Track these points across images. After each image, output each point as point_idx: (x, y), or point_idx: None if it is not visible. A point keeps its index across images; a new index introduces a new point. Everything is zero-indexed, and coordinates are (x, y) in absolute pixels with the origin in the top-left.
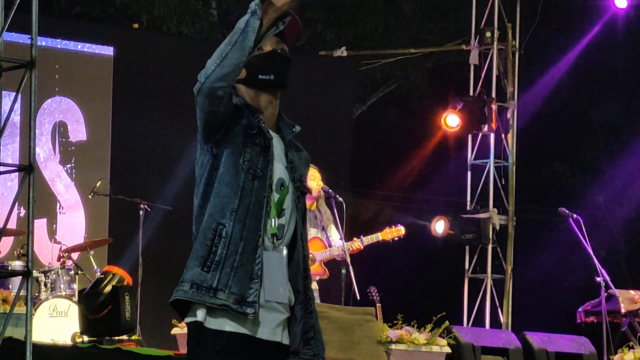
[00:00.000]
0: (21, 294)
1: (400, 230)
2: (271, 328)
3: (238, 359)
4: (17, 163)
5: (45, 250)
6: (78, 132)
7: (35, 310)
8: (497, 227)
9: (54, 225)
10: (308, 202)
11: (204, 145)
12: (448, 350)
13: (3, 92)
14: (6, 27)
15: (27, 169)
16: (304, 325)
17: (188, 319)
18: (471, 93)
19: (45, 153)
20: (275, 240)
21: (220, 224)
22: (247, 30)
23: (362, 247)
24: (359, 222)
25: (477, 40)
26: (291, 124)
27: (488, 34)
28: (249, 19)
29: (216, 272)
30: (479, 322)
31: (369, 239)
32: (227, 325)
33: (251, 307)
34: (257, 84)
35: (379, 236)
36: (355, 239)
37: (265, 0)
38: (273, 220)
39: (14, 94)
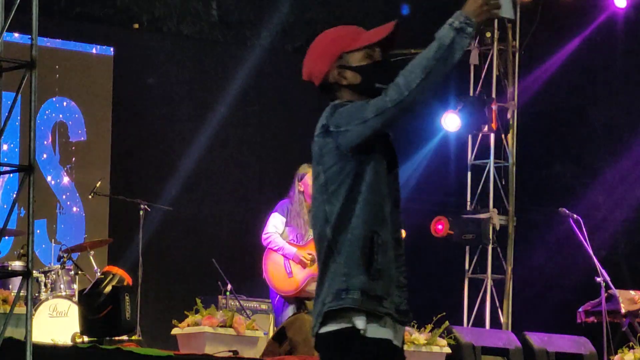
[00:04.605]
0: (21, 294)
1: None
2: (402, 335)
3: None
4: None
5: (45, 251)
6: (78, 132)
7: (35, 310)
8: (497, 228)
9: (54, 225)
10: (309, 203)
11: (350, 153)
12: (448, 350)
13: (3, 92)
14: (6, 27)
15: (27, 169)
16: None
17: (336, 326)
18: (471, 93)
19: (45, 153)
20: None
21: (375, 232)
22: (455, 49)
23: None
24: None
25: (477, 41)
26: None
27: (488, 34)
28: (455, 37)
29: (380, 281)
30: (479, 322)
31: None
32: (380, 332)
33: (408, 316)
34: (370, 93)
35: None
36: None
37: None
38: None
39: (14, 94)
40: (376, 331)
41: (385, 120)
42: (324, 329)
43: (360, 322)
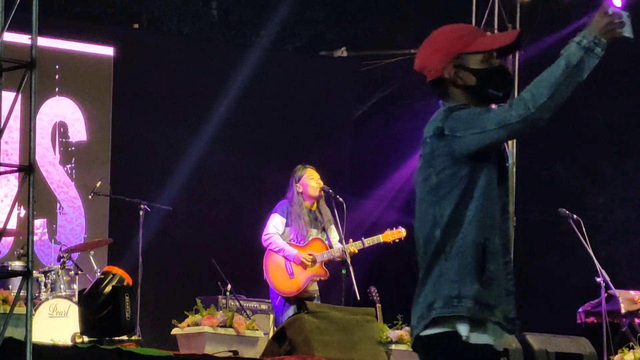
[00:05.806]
0: (21, 294)
1: (402, 232)
2: (503, 341)
3: None
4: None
5: (45, 251)
6: (78, 132)
7: (35, 310)
8: None
9: (54, 225)
10: (309, 203)
11: (465, 158)
12: None
13: (3, 92)
14: (6, 27)
15: (27, 169)
16: None
17: (439, 329)
18: None
19: (45, 153)
20: None
21: (487, 239)
22: (583, 68)
23: (363, 247)
24: (359, 222)
25: None
26: None
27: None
28: (584, 56)
29: (491, 289)
30: None
31: (369, 241)
32: (482, 338)
33: (515, 324)
34: (482, 97)
35: (379, 238)
36: (352, 241)
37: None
38: None
39: (14, 94)
40: (478, 337)
41: (506, 133)
42: (426, 332)
43: (463, 329)
